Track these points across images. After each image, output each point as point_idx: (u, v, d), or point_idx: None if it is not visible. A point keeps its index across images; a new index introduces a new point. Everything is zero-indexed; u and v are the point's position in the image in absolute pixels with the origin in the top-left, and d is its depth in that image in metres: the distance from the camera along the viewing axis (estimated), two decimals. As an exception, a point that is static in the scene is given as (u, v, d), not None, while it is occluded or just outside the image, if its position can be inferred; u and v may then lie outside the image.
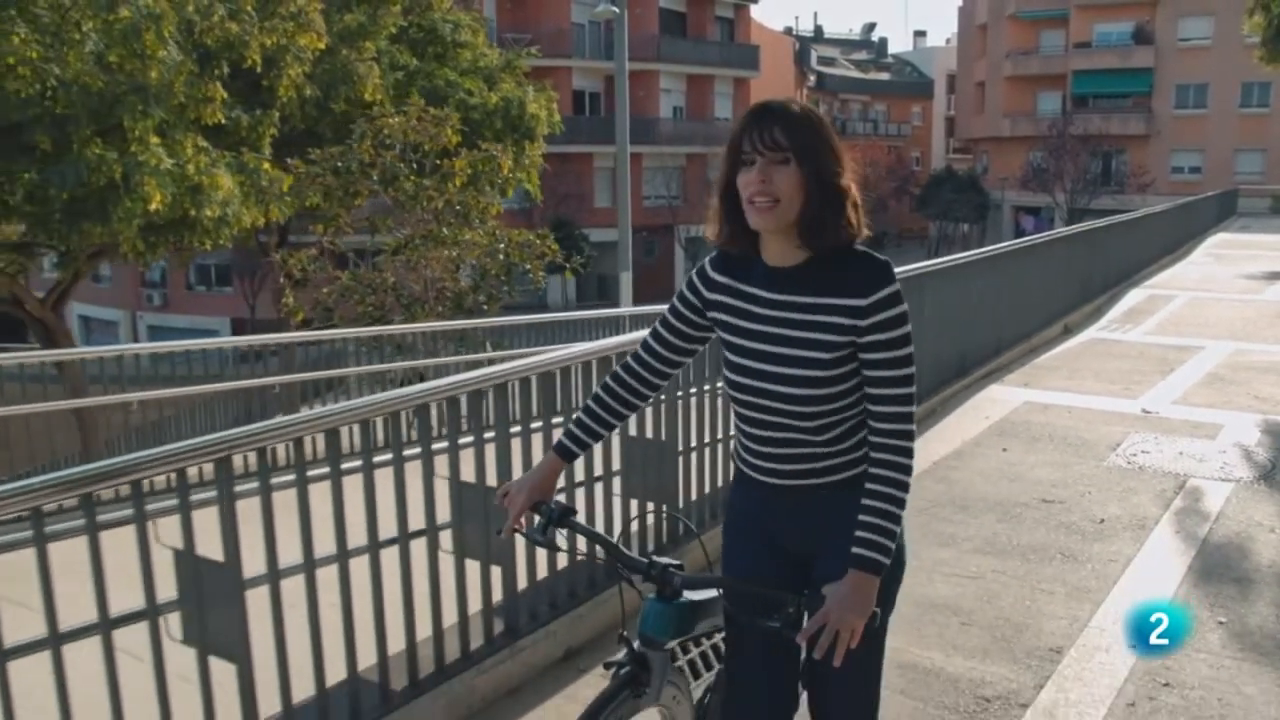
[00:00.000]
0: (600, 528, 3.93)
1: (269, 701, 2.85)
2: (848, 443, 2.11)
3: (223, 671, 2.74)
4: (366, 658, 3.12)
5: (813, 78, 62.81)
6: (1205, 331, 11.09)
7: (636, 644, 2.16)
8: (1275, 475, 5.92)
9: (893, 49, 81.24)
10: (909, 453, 2.04)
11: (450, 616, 3.41)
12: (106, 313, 44.17)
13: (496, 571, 3.54)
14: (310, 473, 2.95)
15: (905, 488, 2.03)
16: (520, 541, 2.79)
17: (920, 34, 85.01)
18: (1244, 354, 9.81)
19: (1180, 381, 8.53)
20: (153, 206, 11.73)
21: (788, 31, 67.38)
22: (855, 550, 1.99)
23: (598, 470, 3.93)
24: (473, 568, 3.47)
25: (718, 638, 2.47)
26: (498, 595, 3.59)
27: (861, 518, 2.01)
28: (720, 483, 4.66)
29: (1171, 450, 6.41)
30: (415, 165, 11.78)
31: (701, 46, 45.35)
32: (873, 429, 2.06)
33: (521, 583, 3.68)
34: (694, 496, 4.55)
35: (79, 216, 12.19)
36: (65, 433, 10.11)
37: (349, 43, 18.08)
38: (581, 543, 2.40)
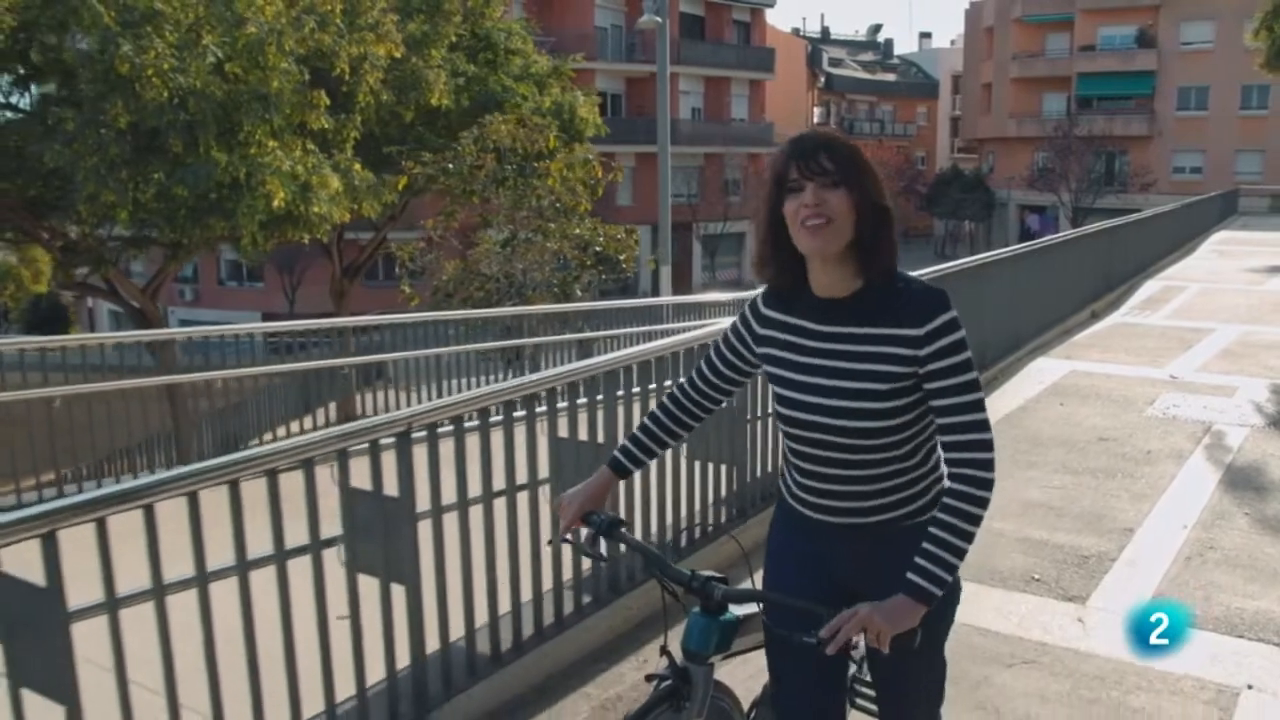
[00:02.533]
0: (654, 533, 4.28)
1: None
2: (903, 479, 2.10)
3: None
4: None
5: (822, 79, 64.11)
6: (1216, 316, 12.51)
7: (679, 658, 2.16)
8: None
9: (898, 50, 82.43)
10: (986, 484, 1.98)
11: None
12: (137, 308, 45.44)
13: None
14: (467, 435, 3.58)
15: (976, 521, 1.98)
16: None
17: (925, 35, 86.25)
18: (1252, 334, 11.25)
19: (1199, 355, 9.96)
20: (275, 204, 13.14)
21: (795, 33, 68.71)
22: (910, 576, 1.95)
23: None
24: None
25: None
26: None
27: (924, 545, 1.97)
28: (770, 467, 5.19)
29: (1197, 405, 7.84)
30: (516, 167, 13.19)
31: (719, 49, 46.72)
32: (947, 458, 2.04)
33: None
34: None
35: (204, 213, 13.59)
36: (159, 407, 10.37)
37: (416, 51, 19.46)
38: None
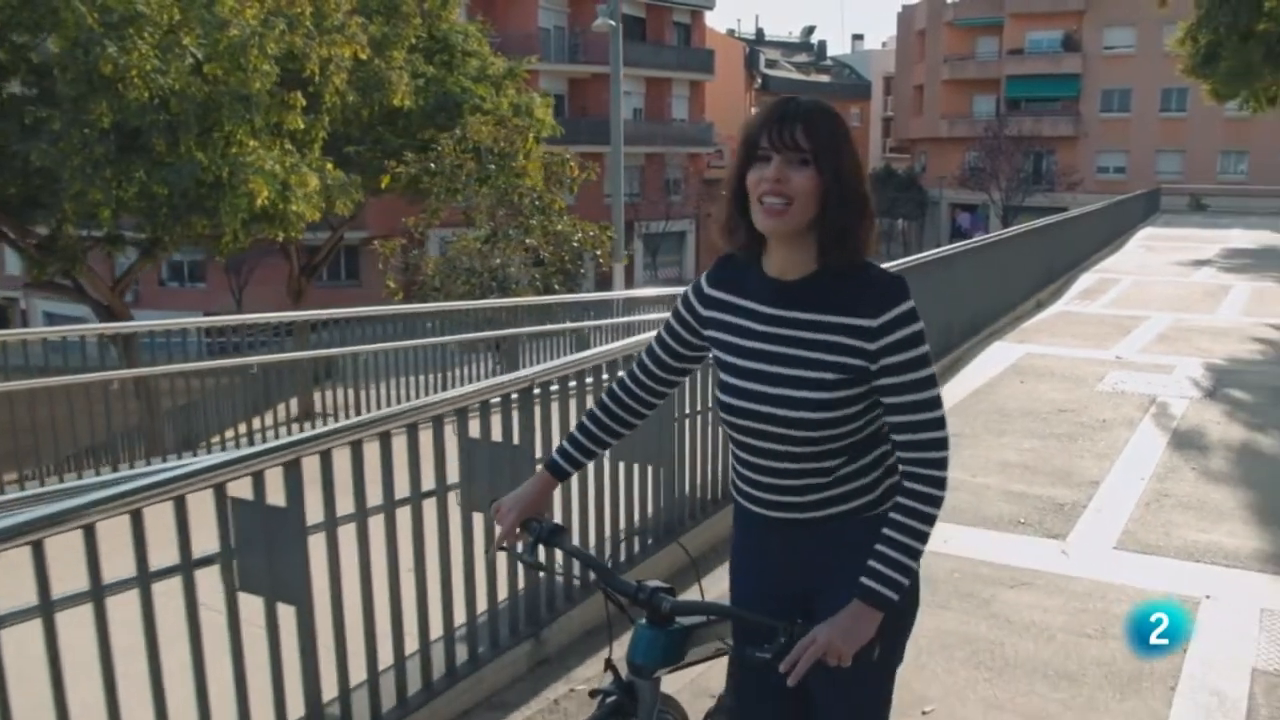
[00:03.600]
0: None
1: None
2: (846, 471, 1.98)
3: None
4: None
5: (759, 79, 65.17)
6: (1150, 305, 13.48)
7: (624, 672, 2.07)
8: (1216, 394, 8.21)
9: (831, 52, 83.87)
10: (938, 482, 1.90)
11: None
12: (73, 309, 44.82)
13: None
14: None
15: (930, 520, 1.90)
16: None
17: (858, 38, 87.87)
18: (1183, 320, 12.20)
19: (1139, 339, 10.86)
20: (259, 202, 13.53)
21: (730, 34, 69.73)
22: (863, 580, 1.87)
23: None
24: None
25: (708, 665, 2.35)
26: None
27: (878, 547, 1.89)
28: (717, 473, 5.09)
29: (1142, 381, 8.68)
30: (496, 166, 13.73)
31: (661, 51, 47.45)
32: (900, 458, 1.94)
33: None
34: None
35: (186, 211, 13.91)
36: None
37: (378, 52, 19.86)
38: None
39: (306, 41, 15.74)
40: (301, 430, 8.52)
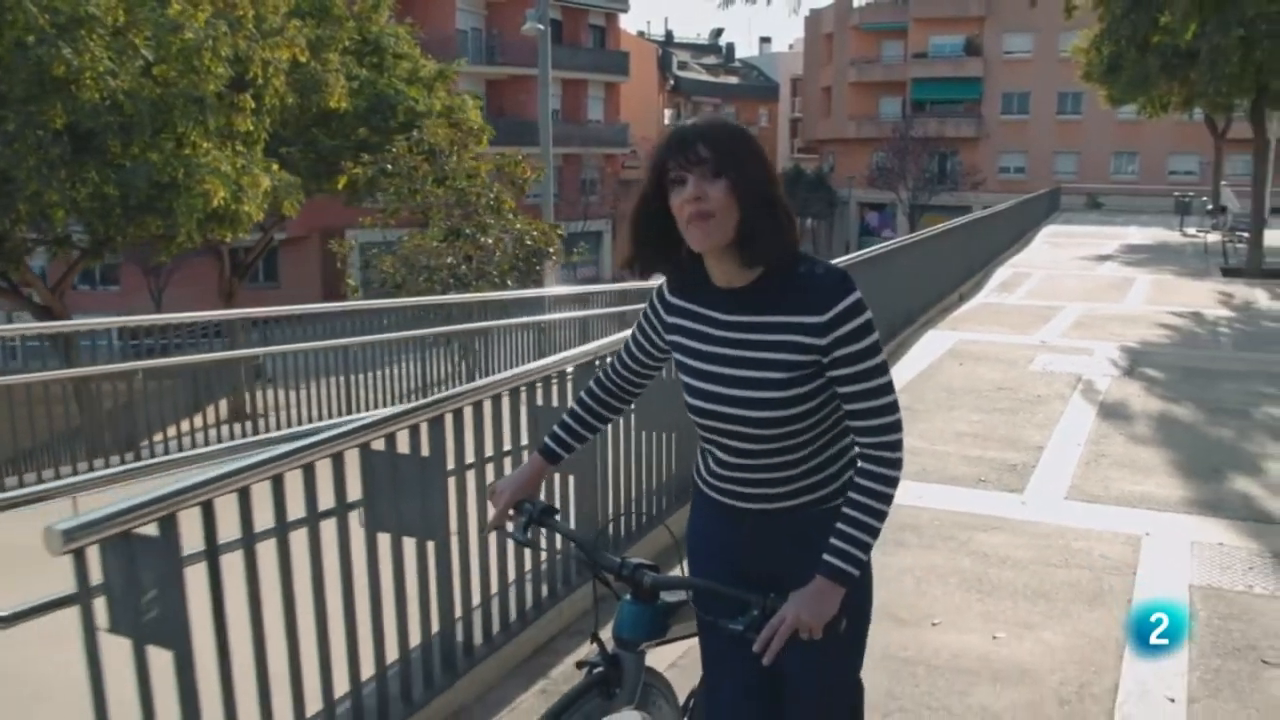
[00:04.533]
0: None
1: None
2: (814, 463, 2.09)
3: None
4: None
5: (671, 81, 66.08)
6: (1063, 296, 14.54)
7: (610, 645, 2.16)
8: (1133, 372, 9.15)
9: (740, 54, 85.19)
10: (894, 464, 2.00)
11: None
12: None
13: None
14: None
15: (887, 500, 1.99)
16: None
17: (765, 40, 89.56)
18: (1094, 309, 13.25)
19: (1058, 326, 11.84)
20: (215, 203, 13.78)
21: (640, 35, 70.55)
22: (826, 557, 1.97)
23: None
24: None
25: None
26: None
27: (838, 525, 1.98)
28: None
29: (1068, 362, 9.59)
30: (448, 167, 14.19)
31: (577, 53, 47.97)
32: (857, 442, 2.04)
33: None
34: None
35: (140, 211, 14.08)
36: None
37: (314, 54, 20.10)
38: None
39: (249, 44, 16.00)
40: (243, 429, 8.44)
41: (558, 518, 2.29)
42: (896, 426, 1.99)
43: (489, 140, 24.45)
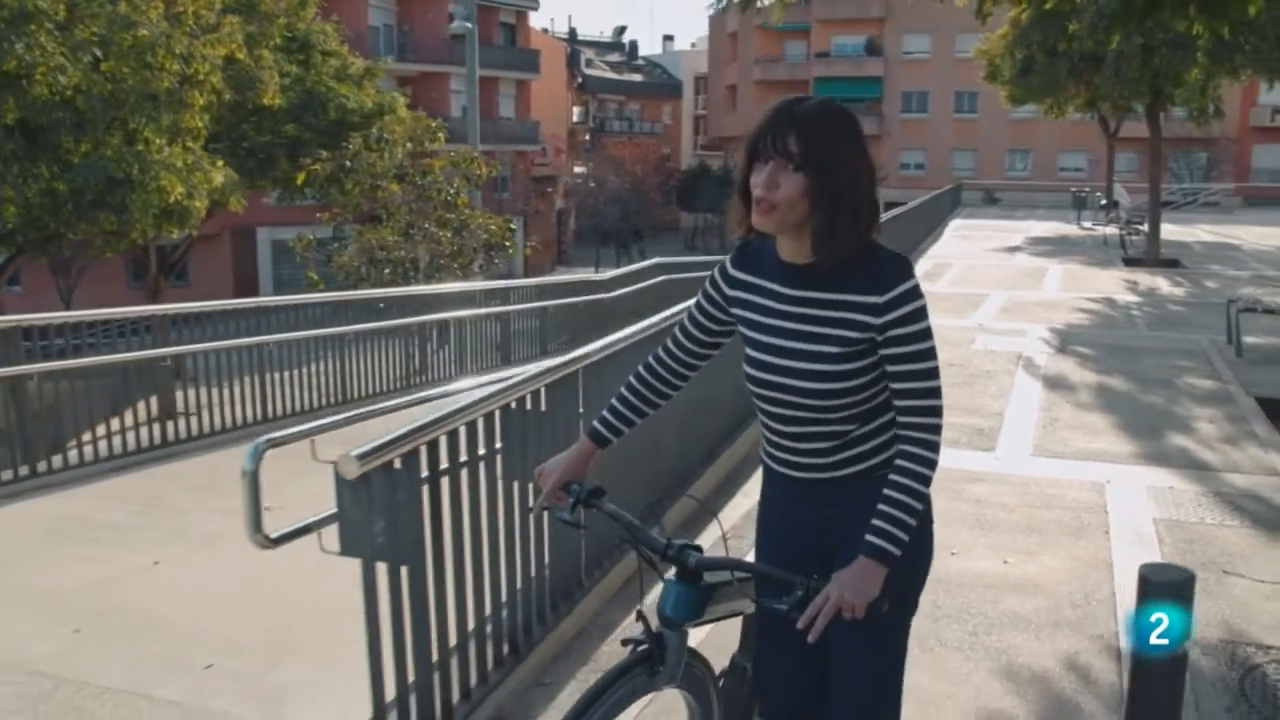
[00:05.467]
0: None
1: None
2: (865, 431, 2.16)
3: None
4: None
5: (579, 78, 66.55)
6: (985, 284, 15.59)
7: (654, 623, 2.19)
8: (1065, 350, 10.12)
9: (643, 52, 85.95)
10: (934, 446, 2.07)
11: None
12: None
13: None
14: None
15: (927, 481, 2.07)
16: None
17: (669, 38, 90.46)
18: (1017, 296, 14.30)
19: (988, 310, 12.81)
20: (171, 199, 13.92)
21: (544, 33, 70.83)
22: (868, 538, 2.03)
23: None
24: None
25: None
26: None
27: (880, 507, 2.05)
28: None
29: (1006, 342, 10.51)
30: (406, 163, 14.57)
31: (488, 50, 48.04)
32: (898, 422, 2.11)
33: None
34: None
35: (94, 208, 14.12)
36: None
37: (247, 51, 20.17)
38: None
39: (191, 40, 16.11)
40: (164, 431, 7.84)
41: (605, 499, 2.30)
42: (939, 411, 2.09)
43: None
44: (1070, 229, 28.21)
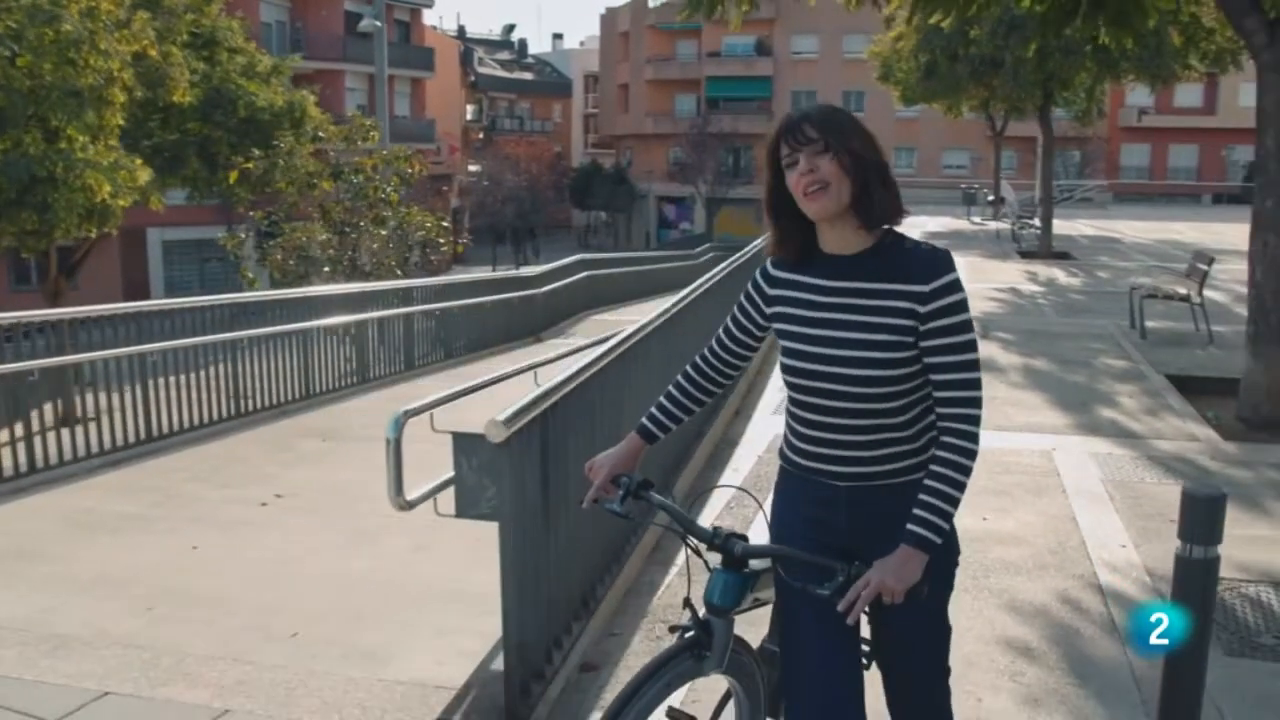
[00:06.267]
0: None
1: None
2: (901, 433, 2.20)
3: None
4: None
5: (472, 77, 66.30)
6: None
7: (701, 611, 2.26)
8: (988, 335, 10.88)
9: (532, 50, 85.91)
10: (973, 437, 2.12)
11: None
12: None
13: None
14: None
15: (967, 472, 2.11)
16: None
17: (558, 36, 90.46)
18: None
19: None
20: (99, 199, 13.76)
21: (432, 30, 70.34)
22: (910, 527, 2.08)
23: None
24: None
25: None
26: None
27: (921, 496, 2.09)
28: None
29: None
30: (342, 163, 14.66)
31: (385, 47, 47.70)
32: (939, 414, 2.15)
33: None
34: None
35: (14, 206, 13.85)
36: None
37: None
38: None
39: (106, 36, 15.90)
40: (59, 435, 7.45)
41: (653, 491, 2.37)
42: (978, 403, 2.14)
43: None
44: (962, 224, 29.47)
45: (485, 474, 3.40)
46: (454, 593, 4.69)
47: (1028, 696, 3.60)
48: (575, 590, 3.96)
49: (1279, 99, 7.26)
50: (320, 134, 15.22)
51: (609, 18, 65.57)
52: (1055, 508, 5.62)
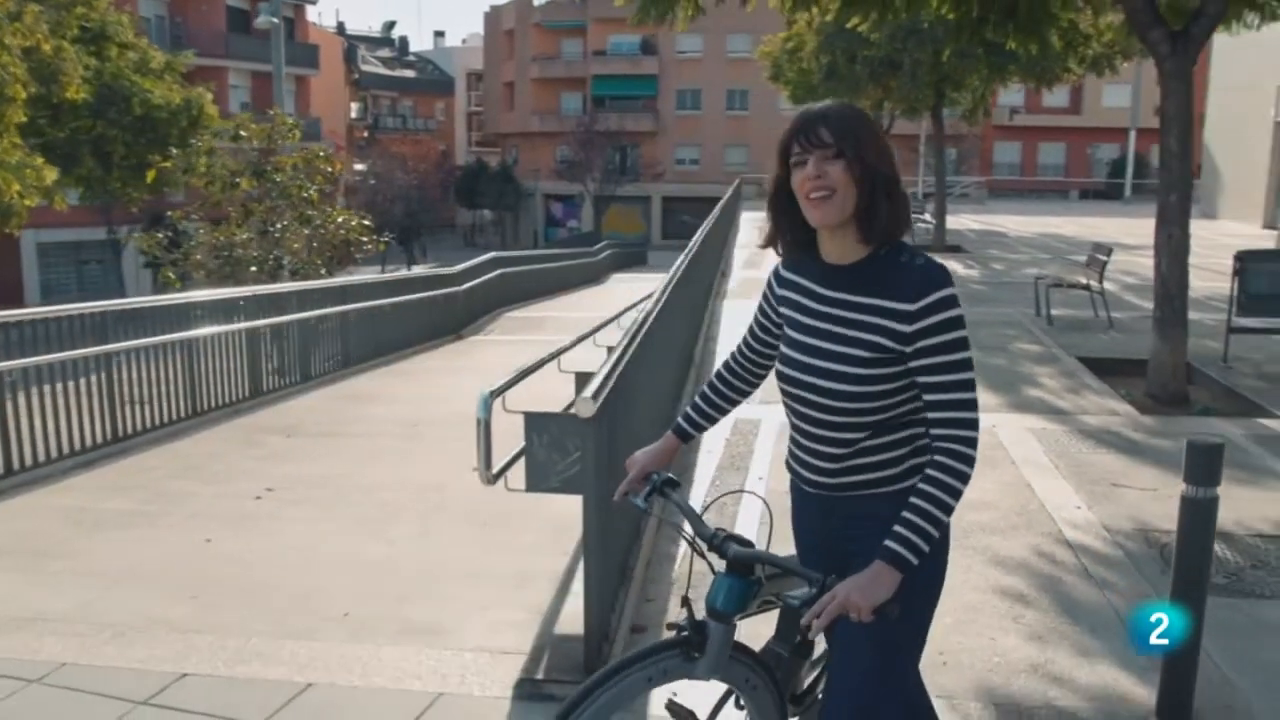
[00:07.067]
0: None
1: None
2: (873, 445, 2.16)
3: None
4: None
5: (356, 74, 65.34)
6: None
7: (700, 614, 2.22)
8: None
9: (413, 48, 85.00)
10: (965, 458, 2.03)
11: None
12: None
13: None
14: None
15: (955, 494, 2.02)
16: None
17: (440, 34, 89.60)
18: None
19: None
20: (8, 198, 13.44)
21: (314, 27, 69.06)
22: (886, 543, 2.00)
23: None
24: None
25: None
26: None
27: (904, 514, 2.02)
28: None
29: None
30: (265, 165, 14.55)
31: (267, 44, 46.72)
32: (932, 434, 2.07)
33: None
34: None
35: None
36: None
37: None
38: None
39: (6, 28, 15.48)
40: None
41: (677, 490, 2.39)
42: (973, 424, 2.06)
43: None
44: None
45: (555, 450, 3.69)
46: (476, 573, 4.97)
47: (1032, 634, 4.07)
48: (619, 559, 4.29)
49: (1180, 104, 7.98)
50: (242, 132, 15.00)
51: (493, 15, 65.32)
52: (1009, 477, 6.16)
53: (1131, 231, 22.79)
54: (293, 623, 4.32)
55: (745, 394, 2.57)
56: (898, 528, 2.01)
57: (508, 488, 3.93)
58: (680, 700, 2.43)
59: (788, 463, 2.38)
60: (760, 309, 2.42)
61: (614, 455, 3.98)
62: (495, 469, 4.16)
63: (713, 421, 2.58)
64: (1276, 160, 25.07)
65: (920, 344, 2.04)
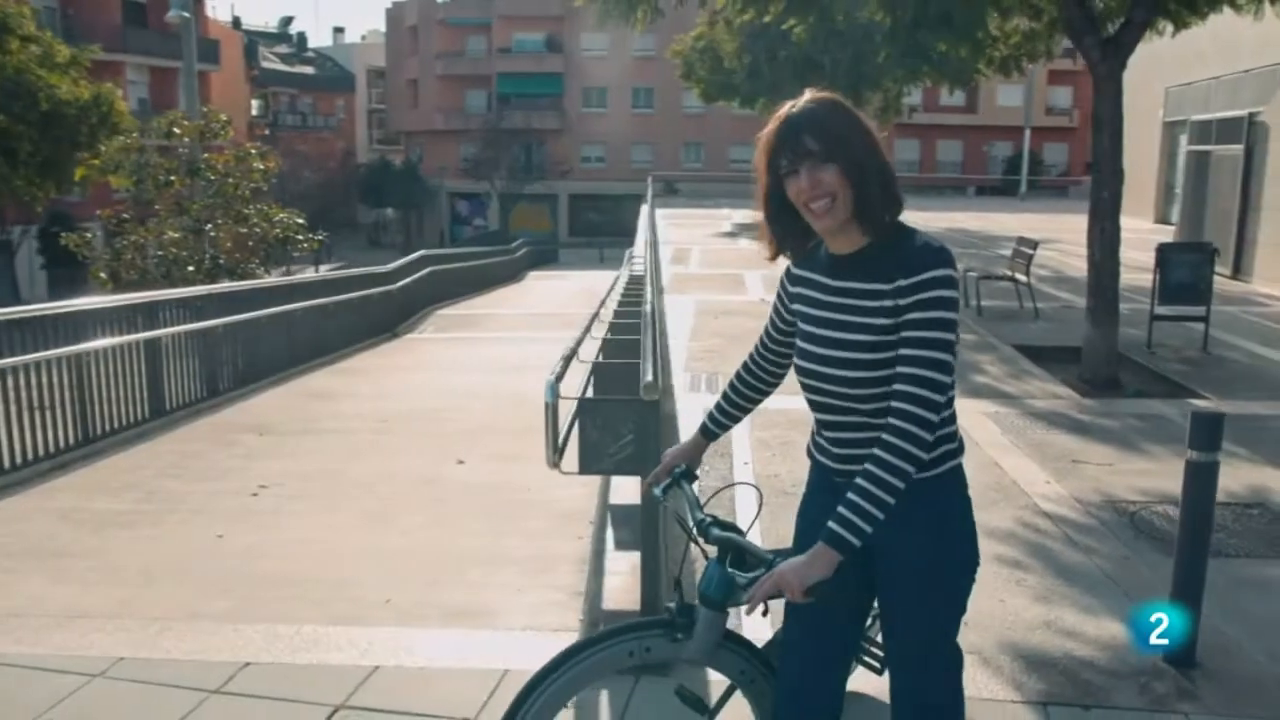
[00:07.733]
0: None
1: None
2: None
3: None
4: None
5: (256, 71, 63.94)
6: (731, 264, 17.46)
7: (689, 596, 2.27)
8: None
9: (311, 44, 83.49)
10: (912, 438, 2.01)
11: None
12: None
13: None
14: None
15: (900, 474, 2.00)
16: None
17: (339, 30, 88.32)
18: (770, 274, 16.19)
19: (754, 287, 14.61)
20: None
21: (213, 21, 67.37)
22: (829, 524, 2.01)
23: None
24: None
25: None
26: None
27: (848, 495, 2.02)
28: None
29: (794, 312, 12.24)
30: (200, 162, 14.33)
31: (168, 40, 45.49)
32: (891, 408, 2.05)
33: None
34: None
35: None
36: None
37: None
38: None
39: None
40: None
41: (691, 483, 2.53)
42: (932, 406, 2.04)
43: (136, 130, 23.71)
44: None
45: (607, 433, 3.91)
46: (497, 558, 5.17)
47: (1037, 595, 4.45)
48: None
49: (1112, 106, 8.53)
50: (175, 129, 14.78)
51: (396, 12, 64.53)
52: (977, 456, 6.57)
53: (1033, 226, 23.66)
54: (338, 610, 4.46)
55: (765, 393, 2.61)
56: (841, 508, 2.02)
57: (561, 471, 4.13)
58: (690, 687, 2.47)
59: (808, 449, 2.43)
60: (775, 309, 2.46)
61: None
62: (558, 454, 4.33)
63: (735, 421, 2.65)
64: (1165, 159, 26.39)
65: (904, 318, 2.06)
